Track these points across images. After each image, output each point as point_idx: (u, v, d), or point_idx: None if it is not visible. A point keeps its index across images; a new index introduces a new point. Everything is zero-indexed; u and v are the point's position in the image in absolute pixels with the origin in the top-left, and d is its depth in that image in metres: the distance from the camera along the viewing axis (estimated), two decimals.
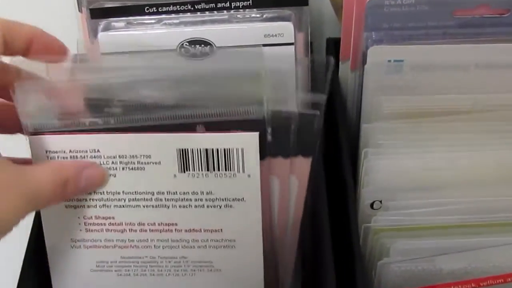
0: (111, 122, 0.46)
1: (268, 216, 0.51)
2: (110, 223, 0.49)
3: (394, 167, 0.55)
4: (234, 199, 0.47)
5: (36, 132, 0.45)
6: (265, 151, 0.48)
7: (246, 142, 0.45)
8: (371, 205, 0.54)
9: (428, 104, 0.57)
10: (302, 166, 0.49)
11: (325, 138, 0.54)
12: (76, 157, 0.46)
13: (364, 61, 0.56)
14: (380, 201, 0.54)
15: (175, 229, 0.49)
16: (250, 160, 0.46)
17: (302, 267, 0.58)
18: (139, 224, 0.49)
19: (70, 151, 0.45)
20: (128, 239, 0.49)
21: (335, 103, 0.60)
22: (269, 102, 0.46)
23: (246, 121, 0.46)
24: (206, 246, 0.50)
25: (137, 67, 0.49)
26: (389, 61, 0.56)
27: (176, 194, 0.47)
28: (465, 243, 0.52)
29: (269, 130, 0.47)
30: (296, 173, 0.50)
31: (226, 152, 0.45)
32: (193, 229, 0.49)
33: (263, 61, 0.47)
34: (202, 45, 0.54)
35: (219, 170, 0.46)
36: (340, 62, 0.61)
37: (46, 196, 0.42)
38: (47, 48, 0.45)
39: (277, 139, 0.47)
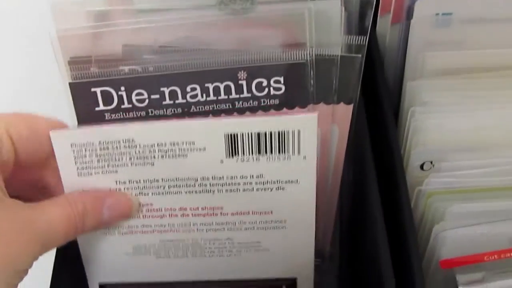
0: (150, 69, 0.44)
1: None
2: (148, 209, 0.46)
3: (443, 126, 0.51)
4: (287, 182, 0.45)
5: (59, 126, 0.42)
6: (307, 97, 0.46)
7: (304, 124, 0.42)
8: (421, 166, 0.51)
9: (477, 60, 0.54)
10: (343, 113, 0.48)
11: (364, 98, 0.52)
12: (107, 148, 0.43)
13: (409, 15, 0.53)
14: (431, 162, 0.51)
15: (221, 213, 0.46)
16: (307, 142, 0.43)
17: (341, 229, 0.55)
18: (181, 209, 0.46)
19: (100, 143, 0.42)
20: (168, 224, 0.47)
21: (374, 59, 0.57)
22: (313, 45, 0.45)
23: (289, 65, 0.45)
24: (254, 228, 0.47)
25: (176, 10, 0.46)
26: (437, 14, 0.52)
27: (223, 179, 0.44)
28: None
29: (311, 74, 0.45)
30: (338, 121, 0.48)
31: (281, 135, 0.43)
32: (241, 212, 0.46)
33: (307, 3, 0.45)
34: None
35: (271, 153, 0.43)
36: (378, 16, 0.57)
37: (60, 237, 0.40)
38: None
39: (319, 84, 0.45)
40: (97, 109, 0.46)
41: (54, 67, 0.44)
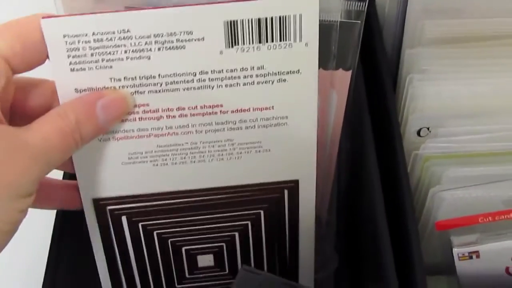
0: None
1: None
2: (144, 110, 0.43)
3: (440, 93, 0.52)
4: (288, 72, 0.43)
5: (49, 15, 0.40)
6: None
7: (305, 6, 0.41)
8: (418, 132, 0.52)
9: (476, 28, 0.54)
10: (342, 79, 0.48)
11: (363, 65, 0.52)
12: (102, 40, 0.40)
13: None
14: (428, 128, 0.51)
15: (220, 111, 0.44)
16: (309, 26, 0.41)
17: (338, 196, 0.56)
18: (178, 109, 0.44)
19: (94, 33, 0.40)
20: (166, 126, 0.44)
21: (373, 27, 0.57)
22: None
23: None
24: (255, 126, 0.45)
25: None
26: None
27: (222, 72, 0.42)
28: None
29: None
30: (336, 87, 0.48)
31: (282, 20, 0.41)
32: (241, 109, 0.45)
33: None
34: None
35: (272, 41, 0.42)
36: None
37: (57, 152, 0.39)
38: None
39: (319, 49, 0.44)
40: None
41: None
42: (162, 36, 0.40)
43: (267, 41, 0.41)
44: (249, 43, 0.41)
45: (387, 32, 0.58)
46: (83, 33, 0.40)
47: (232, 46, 0.41)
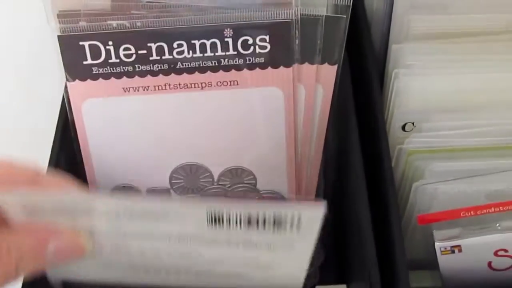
0: (138, 24, 0.45)
1: (293, 127, 0.49)
2: None
3: (426, 88, 0.52)
4: (280, 246, 0.38)
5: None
6: (292, 57, 0.46)
7: (308, 213, 0.35)
8: (403, 127, 0.52)
9: (461, 24, 0.54)
10: (328, 74, 0.49)
11: (349, 60, 0.53)
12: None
13: None
14: (413, 123, 0.52)
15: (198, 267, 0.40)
16: (309, 224, 0.36)
17: (324, 191, 0.56)
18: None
19: (54, 208, 0.36)
20: None
21: (360, 22, 0.58)
22: (298, 4, 0.45)
23: (274, 23, 0.45)
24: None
25: None
26: None
27: (203, 238, 0.37)
28: (501, 165, 0.49)
29: (296, 34, 0.45)
30: (322, 81, 0.49)
31: (277, 219, 0.35)
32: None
33: None
34: None
35: (264, 228, 0.36)
36: None
37: None
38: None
39: (304, 44, 0.45)
40: (85, 62, 0.47)
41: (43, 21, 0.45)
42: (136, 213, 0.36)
43: (257, 228, 0.36)
44: (236, 227, 0.36)
45: (375, 28, 0.59)
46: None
47: (215, 226, 0.36)
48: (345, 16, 0.46)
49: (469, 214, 0.48)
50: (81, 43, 0.46)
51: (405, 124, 0.51)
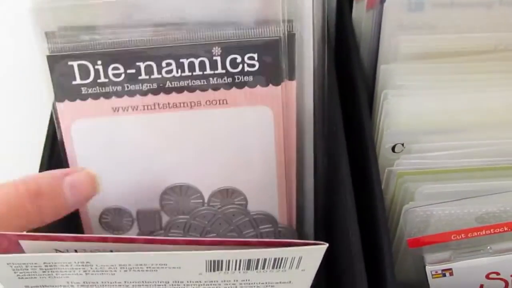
0: (110, 37, 0.45)
1: (282, 146, 0.50)
2: None
3: (415, 109, 0.52)
4: (278, 282, 0.38)
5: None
6: (281, 75, 0.46)
7: (308, 254, 0.35)
8: (393, 149, 0.52)
9: (449, 44, 0.54)
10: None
11: (338, 80, 0.52)
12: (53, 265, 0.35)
13: (383, 0, 0.54)
14: (402, 144, 0.51)
15: None
16: (309, 262, 0.36)
17: (315, 214, 0.56)
18: None
19: (45, 264, 0.35)
20: None
21: (349, 44, 0.57)
22: (285, 20, 0.45)
23: (262, 42, 0.45)
24: None
25: None
26: None
27: (200, 283, 0.37)
28: (492, 186, 0.49)
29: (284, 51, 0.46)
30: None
31: (277, 260, 0.35)
32: None
33: None
34: None
35: (263, 268, 0.36)
36: (354, 2, 0.58)
37: (6, 221, 0.35)
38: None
39: (290, 61, 0.45)
40: (74, 83, 0.46)
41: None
42: (129, 266, 0.36)
43: (256, 269, 0.36)
44: (235, 270, 0.36)
45: (365, 49, 0.58)
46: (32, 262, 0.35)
47: (214, 271, 0.36)
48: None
49: (460, 237, 0.48)
50: (69, 63, 0.45)
51: (394, 146, 0.51)
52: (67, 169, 0.39)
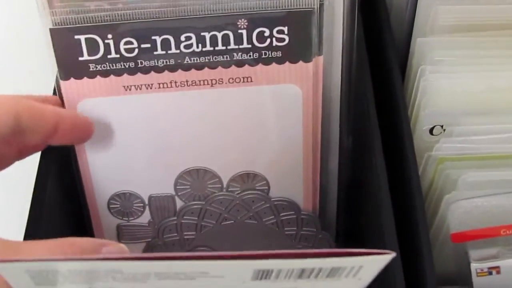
0: (119, 6, 0.41)
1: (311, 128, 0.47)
2: None
3: (455, 87, 0.48)
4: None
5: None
6: (312, 51, 0.43)
7: (369, 265, 0.30)
8: (431, 131, 0.47)
9: (494, 15, 0.49)
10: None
11: (369, 57, 0.48)
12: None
13: None
14: (442, 126, 0.47)
15: None
16: (369, 271, 0.31)
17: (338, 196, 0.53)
18: None
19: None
20: None
21: (381, 16, 0.53)
22: None
23: (293, 14, 0.41)
24: None
25: None
26: None
27: None
28: None
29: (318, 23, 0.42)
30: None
31: (334, 269, 0.31)
32: None
33: None
34: None
35: (316, 277, 0.31)
36: None
37: None
38: (73, 128, 0.42)
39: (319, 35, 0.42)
40: (80, 59, 0.42)
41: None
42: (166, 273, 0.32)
43: (308, 277, 0.31)
44: (284, 278, 0.31)
45: (396, 19, 0.54)
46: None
47: (260, 280, 0.31)
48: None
49: (510, 232, 0.43)
50: (76, 36, 0.41)
51: (433, 127, 0.47)
52: (101, 240, 0.37)
